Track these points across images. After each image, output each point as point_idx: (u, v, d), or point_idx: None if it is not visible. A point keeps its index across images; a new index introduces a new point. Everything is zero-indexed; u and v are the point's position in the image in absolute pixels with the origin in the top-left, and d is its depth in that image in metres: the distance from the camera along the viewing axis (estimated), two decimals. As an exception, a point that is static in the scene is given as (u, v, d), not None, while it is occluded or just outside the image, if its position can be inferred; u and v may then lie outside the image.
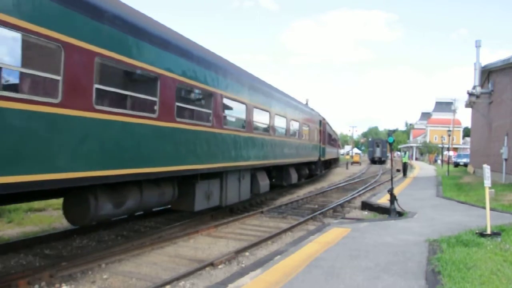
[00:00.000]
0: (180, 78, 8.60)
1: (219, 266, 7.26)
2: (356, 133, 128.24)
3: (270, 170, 16.44)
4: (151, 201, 8.59)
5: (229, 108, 11.70)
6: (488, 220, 8.24)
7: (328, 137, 31.23)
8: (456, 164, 46.13)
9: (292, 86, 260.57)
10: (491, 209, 9.41)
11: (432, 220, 10.41)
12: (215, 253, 8.22)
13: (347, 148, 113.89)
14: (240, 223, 11.49)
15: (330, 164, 38.63)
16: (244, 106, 12.22)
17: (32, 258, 7.53)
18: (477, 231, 8.28)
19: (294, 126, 18.25)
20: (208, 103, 10.24)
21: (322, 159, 26.36)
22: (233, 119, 12.17)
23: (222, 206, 11.47)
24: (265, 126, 14.29)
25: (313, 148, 22.74)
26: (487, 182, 8.47)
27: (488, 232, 8.09)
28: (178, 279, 6.39)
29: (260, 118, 13.80)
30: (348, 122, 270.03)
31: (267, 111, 14.23)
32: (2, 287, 5.85)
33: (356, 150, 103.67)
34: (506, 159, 20.48)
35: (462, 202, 14.15)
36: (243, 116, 12.29)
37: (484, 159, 23.35)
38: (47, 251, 8.02)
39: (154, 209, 10.83)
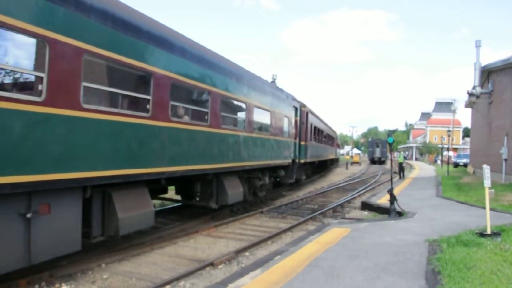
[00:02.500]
0: None
1: (219, 266, 7.26)
2: (356, 133, 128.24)
3: (182, 184, 10.93)
4: None
5: None
6: (488, 220, 8.24)
7: (314, 132, 23.90)
8: (456, 165, 46.13)
9: (292, 86, 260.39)
10: (491, 209, 9.41)
11: (432, 220, 10.40)
12: (215, 253, 8.22)
13: (347, 148, 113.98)
14: (240, 223, 11.49)
15: (326, 166, 35.88)
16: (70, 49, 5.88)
17: (32, 258, 7.51)
18: (477, 231, 8.28)
19: (235, 109, 12.03)
20: None
21: (301, 161, 19.24)
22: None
23: None
24: (144, 98, 7.59)
25: (282, 146, 15.63)
26: (487, 182, 8.47)
27: (488, 232, 8.10)
28: (178, 279, 6.40)
29: (130, 87, 7.50)
30: (348, 122, 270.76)
31: (147, 72, 7.55)
32: (2, 287, 5.85)
33: (356, 150, 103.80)
34: (506, 159, 20.48)
35: (462, 202, 14.13)
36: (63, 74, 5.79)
37: (484, 159, 23.34)
38: (47, 251, 8.01)
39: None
